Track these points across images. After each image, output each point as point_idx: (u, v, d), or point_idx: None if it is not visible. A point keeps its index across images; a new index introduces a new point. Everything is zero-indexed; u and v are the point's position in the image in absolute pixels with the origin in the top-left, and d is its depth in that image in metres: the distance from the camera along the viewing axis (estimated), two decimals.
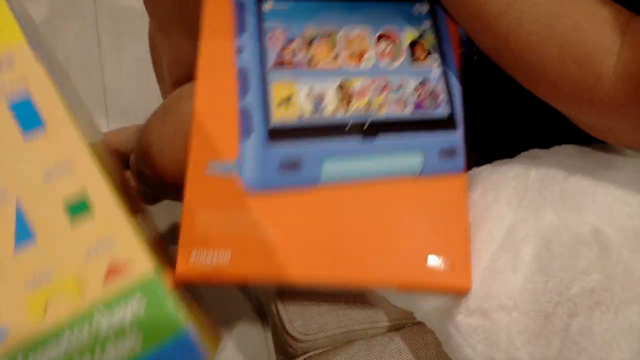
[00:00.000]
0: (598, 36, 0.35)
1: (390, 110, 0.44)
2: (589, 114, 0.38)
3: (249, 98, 0.43)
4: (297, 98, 0.43)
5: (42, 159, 0.32)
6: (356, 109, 0.43)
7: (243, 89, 0.43)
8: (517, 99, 0.44)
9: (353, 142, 0.43)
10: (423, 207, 0.42)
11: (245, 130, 0.42)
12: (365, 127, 0.43)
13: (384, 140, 0.43)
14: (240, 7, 0.45)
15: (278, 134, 0.42)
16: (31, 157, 0.31)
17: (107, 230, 0.33)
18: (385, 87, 0.44)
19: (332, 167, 0.42)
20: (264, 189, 0.41)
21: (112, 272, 0.32)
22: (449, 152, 0.44)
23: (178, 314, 0.33)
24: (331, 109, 0.43)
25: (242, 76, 0.43)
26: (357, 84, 0.44)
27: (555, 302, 0.37)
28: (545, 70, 0.37)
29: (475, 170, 0.46)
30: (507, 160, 0.45)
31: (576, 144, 0.45)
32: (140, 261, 0.33)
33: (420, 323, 0.49)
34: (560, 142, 0.46)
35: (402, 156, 0.43)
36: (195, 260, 0.39)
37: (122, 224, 0.33)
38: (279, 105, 0.43)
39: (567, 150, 0.44)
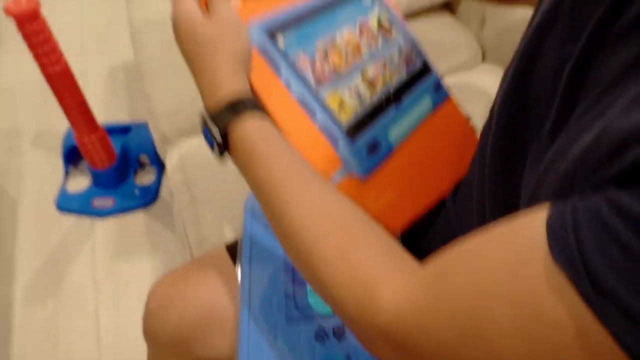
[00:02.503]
0: (383, 266, 0.40)
1: (396, 77, 0.60)
2: (369, 336, 0.41)
3: (319, 118, 0.53)
4: (346, 100, 0.55)
5: None
6: (380, 87, 0.58)
7: (311, 113, 0.53)
8: None
9: (392, 110, 0.59)
10: (449, 127, 0.63)
11: (333, 141, 0.53)
12: (392, 97, 0.59)
13: (406, 99, 0.60)
14: (265, 54, 0.52)
15: (352, 130, 0.55)
16: None
17: None
18: (385, 64, 0.60)
19: (394, 133, 0.58)
20: (368, 173, 0.55)
21: None
22: (437, 86, 0.64)
23: None
24: (368, 95, 0.57)
25: (304, 104, 0.53)
26: (370, 71, 0.58)
27: None
28: (336, 288, 0.41)
29: None
30: None
31: None
32: None
33: None
34: None
35: (421, 102, 0.61)
36: None
37: None
38: (339, 111, 0.55)
39: None
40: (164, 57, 1.07)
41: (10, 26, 1.06)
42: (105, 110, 1.63)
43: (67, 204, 1.40)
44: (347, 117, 0.55)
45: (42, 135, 1.59)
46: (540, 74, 0.45)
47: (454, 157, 0.63)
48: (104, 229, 1.36)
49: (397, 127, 0.59)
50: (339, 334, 0.62)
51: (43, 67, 1.09)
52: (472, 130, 0.67)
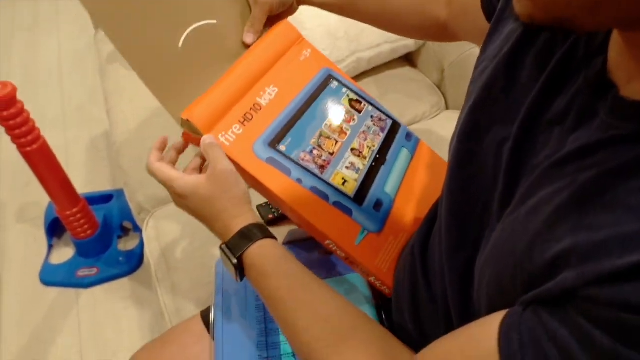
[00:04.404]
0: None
1: (376, 140, 0.71)
2: None
3: (331, 198, 0.64)
4: (346, 175, 0.67)
5: None
6: (367, 153, 0.70)
7: (324, 197, 0.64)
8: None
9: (383, 169, 0.70)
10: (428, 164, 0.75)
11: (347, 212, 0.65)
12: (378, 159, 0.70)
13: (389, 156, 0.71)
14: (273, 162, 0.63)
15: (358, 198, 0.66)
16: None
17: None
18: (365, 134, 0.71)
19: (389, 187, 0.69)
20: (381, 227, 0.67)
21: None
22: (408, 136, 0.76)
23: None
24: (361, 164, 0.68)
25: (317, 192, 0.63)
26: (356, 144, 0.69)
27: None
28: None
29: None
30: None
31: None
32: None
33: None
34: None
35: (401, 155, 0.73)
36: None
37: None
38: (344, 186, 0.66)
39: None
40: (137, 130, 1.11)
41: None
42: (88, 179, 1.66)
43: (50, 277, 1.40)
44: (351, 188, 0.66)
45: (25, 209, 1.61)
46: (484, 150, 0.48)
47: (438, 189, 0.71)
48: (90, 299, 1.36)
49: (390, 181, 0.70)
50: None
51: (20, 147, 1.12)
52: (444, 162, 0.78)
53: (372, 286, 0.70)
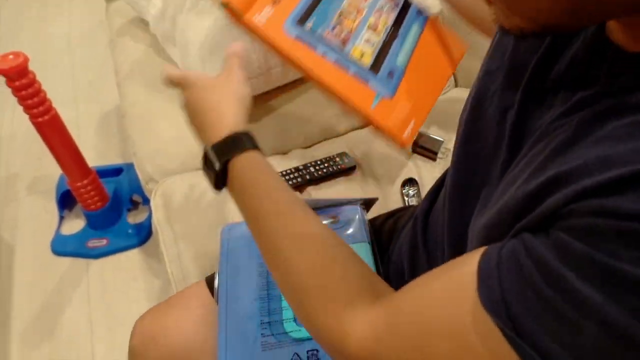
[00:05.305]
0: (354, 299, 0.42)
1: (390, 17, 0.83)
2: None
3: (351, 68, 0.76)
4: (363, 49, 0.78)
5: None
6: (381, 29, 0.81)
7: (346, 68, 0.76)
8: None
9: (396, 42, 0.82)
10: (436, 39, 0.87)
11: (365, 79, 0.77)
12: (391, 34, 0.82)
13: (401, 32, 0.83)
14: (301, 39, 0.74)
15: (374, 68, 0.79)
16: None
17: None
18: (379, 11, 0.82)
19: (400, 59, 0.81)
20: (393, 93, 0.80)
21: None
22: (419, 12, 0.86)
23: None
24: (376, 39, 0.80)
25: (339, 65, 0.75)
26: (372, 21, 0.81)
27: None
28: (314, 319, 0.44)
29: None
30: None
31: None
32: None
33: None
34: None
35: (412, 29, 0.84)
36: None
37: None
38: (362, 59, 0.78)
39: None
40: (147, 101, 1.11)
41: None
42: (98, 153, 1.68)
43: (62, 247, 1.43)
44: (368, 60, 0.78)
45: (37, 181, 1.63)
46: (487, 120, 0.48)
47: (445, 59, 0.88)
48: (99, 269, 1.39)
49: (402, 54, 0.82)
50: (313, 357, 0.64)
51: (32, 118, 1.14)
52: (454, 34, 0.91)
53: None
